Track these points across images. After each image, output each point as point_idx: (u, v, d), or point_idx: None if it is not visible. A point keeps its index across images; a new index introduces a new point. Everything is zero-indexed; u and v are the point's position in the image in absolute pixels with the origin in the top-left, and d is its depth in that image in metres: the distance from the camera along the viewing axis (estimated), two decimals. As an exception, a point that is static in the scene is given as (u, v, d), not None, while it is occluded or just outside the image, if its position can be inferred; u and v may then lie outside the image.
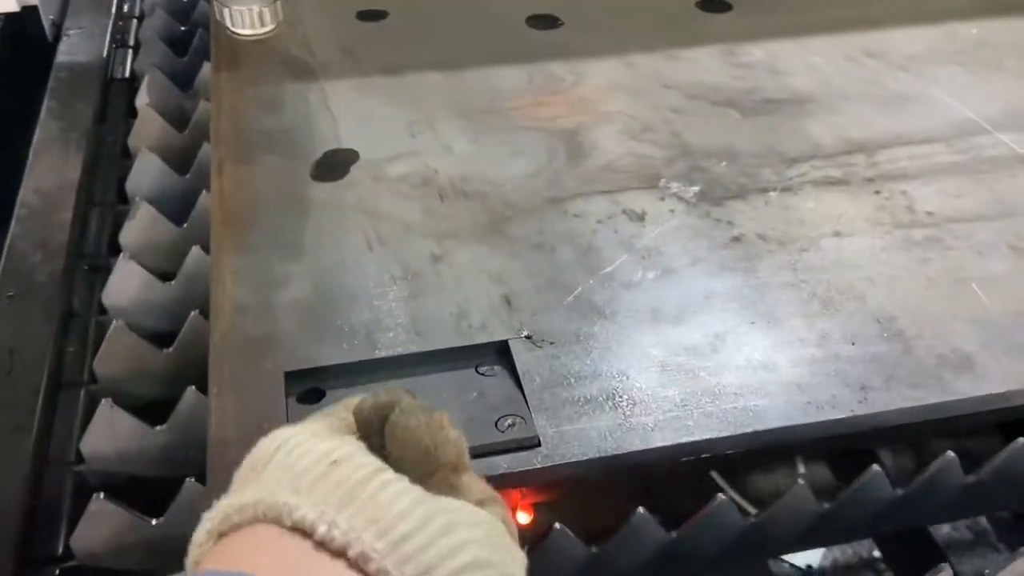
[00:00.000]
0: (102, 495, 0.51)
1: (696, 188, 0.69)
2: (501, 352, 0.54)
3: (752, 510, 0.56)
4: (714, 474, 0.60)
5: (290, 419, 0.50)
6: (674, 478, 0.54)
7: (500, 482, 0.48)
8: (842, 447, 0.60)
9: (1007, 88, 0.81)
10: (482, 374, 0.53)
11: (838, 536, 0.58)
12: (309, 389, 0.52)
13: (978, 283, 0.60)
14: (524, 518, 0.55)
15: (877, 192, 0.68)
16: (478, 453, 0.45)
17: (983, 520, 0.74)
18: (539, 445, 0.48)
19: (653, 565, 0.52)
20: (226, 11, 0.80)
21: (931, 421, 0.52)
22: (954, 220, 0.66)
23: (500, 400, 0.50)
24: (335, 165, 0.70)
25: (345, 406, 0.40)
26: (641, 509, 0.49)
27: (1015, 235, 0.64)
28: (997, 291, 0.60)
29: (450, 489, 0.36)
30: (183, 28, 1.00)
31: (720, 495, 0.49)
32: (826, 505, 0.51)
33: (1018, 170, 0.71)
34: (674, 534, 0.50)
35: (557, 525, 0.48)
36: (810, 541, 0.55)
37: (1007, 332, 0.56)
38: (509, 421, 0.49)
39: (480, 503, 0.36)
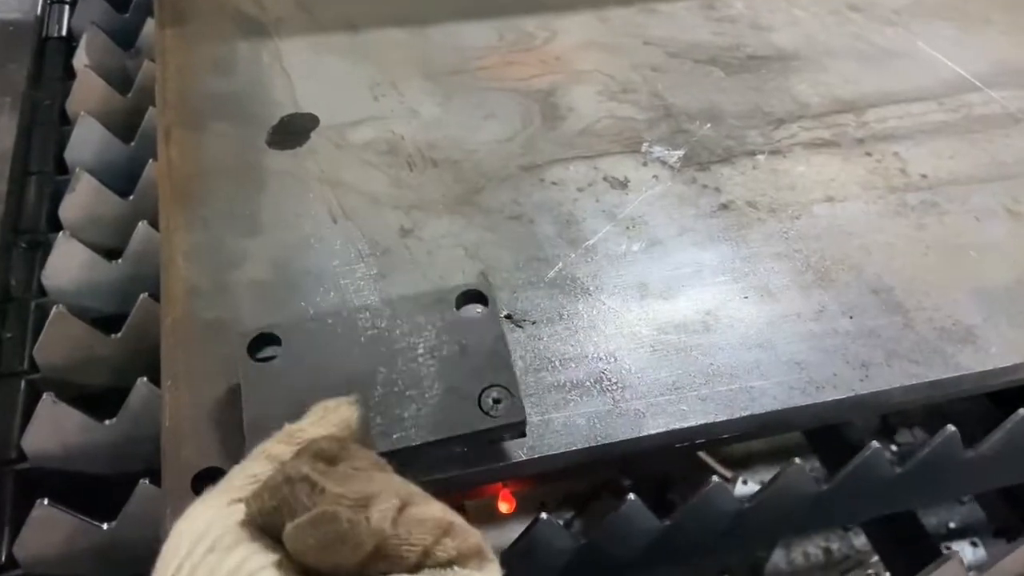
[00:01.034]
0: (46, 501, 0.46)
1: (680, 152, 0.65)
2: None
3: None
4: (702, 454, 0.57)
5: (243, 380, 0.43)
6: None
7: (483, 476, 0.45)
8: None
9: (994, 43, 0.78)
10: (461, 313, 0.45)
11: (837, 520, 0.56)
12: (260, 336, 0.44)
13: (976, 250, 0.58)
14: (505, 507, 0.52)
15: (868, 154, 0.65)
16: (461, 442, 0.41)
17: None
18: (524, 435, 0.43)
19: (645, 554, 0.49)
20: (168, -37, 0.74)
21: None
22: (949, 183, 0.63)
23: (483, 359, 0.43)
24: (293, 131, 0.65)
25: (267, 457, 0.35)
26: (632, 496, 0.45)
27: (1012, 198, 0.62)
28: (996, 258, 0.57)
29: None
30: (123, -19, 0.93)
31: (715, 477, 0.46)
32: (824, 486, 0.48)
33: (1011, 129, 0.68)
34: (666, 521, 0.47)
35: (543, 515, 0.45)
36: (808, 525, 0.52)
37: (1008, 302, 0.54)
38: (494, 394, 0.42)
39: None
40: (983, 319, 0.53)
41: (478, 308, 0.45)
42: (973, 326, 0.52)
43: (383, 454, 0.36)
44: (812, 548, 1.16)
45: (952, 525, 1.17)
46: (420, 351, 0.43)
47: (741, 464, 1.28)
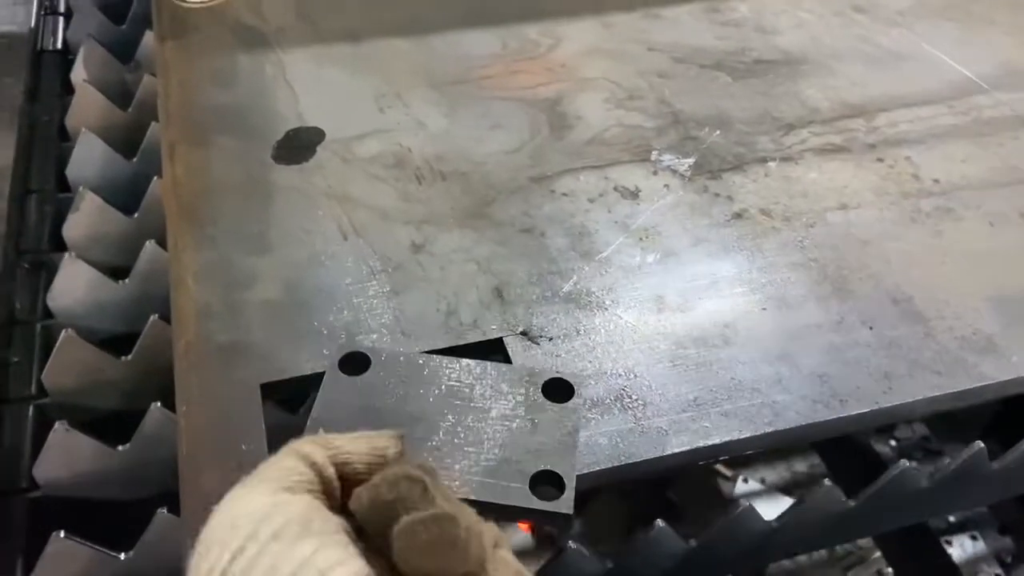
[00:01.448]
0: (62, 534, 0.45)
1: (690, 160, 0.64)
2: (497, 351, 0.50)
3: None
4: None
5: (324, 383, 0.45)
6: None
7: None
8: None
9: (999, 44, 0.78)
10: (545, 396, 0.44)
11: (860, 533, 0.55)
12: (353, 353, 0.46)
13: (993, 256, 0.57)
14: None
15: (880, 159, 0.65)
16: (499, 510, 0.40)
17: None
18: (570, 528, 0.41)
19: (672, 574, 0.48)
20: (167, -24, 0.73)
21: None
22: (962, 188, 0.62)
23: (549, 443, 0.42)
24: (299, 145, 0.64)
25: (298, 455, 0.34)
26: (660, 522, 0.45)
27: (1025, 202, 0.61)
28: (1013, 264, 0.57)
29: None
30: (119, -8, 0.92)
31: (743, 501, 0.46)
32: (851, 503, 0.48)
33: (1021, 132, 0.68)
34: (693, 543, 0.47)
35: (572, 544, 0.44)
36: (832, 541, 0.52)
37: (1027, 309, 0.53)
38: (548, 480, 0.41)
39: None
40: (1003, 327, 0.52)
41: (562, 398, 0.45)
42: (993, 335, 0.52)
43: None
44: (815, 544, 1.16)
45: (952, 519, 1.17)
46: (493, 415, 0.43)
47: (741, 463, 1.27)
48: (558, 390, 0.45)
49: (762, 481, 1.30)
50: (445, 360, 0.46)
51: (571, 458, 0.42)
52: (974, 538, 1.17)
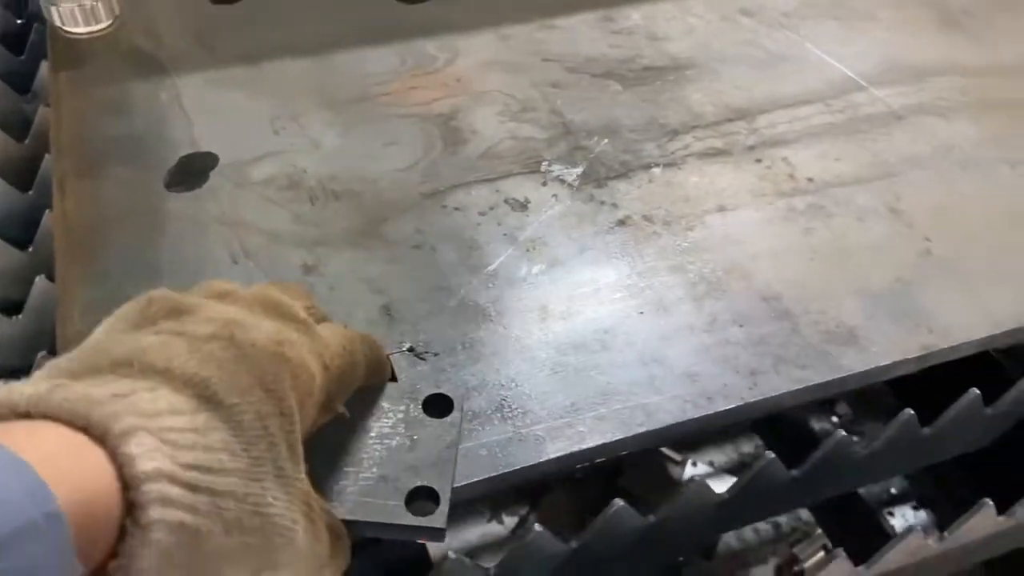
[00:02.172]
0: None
1: (579, 169, 0.66)
2: None
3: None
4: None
5: None
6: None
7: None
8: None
9: (880, 40, 0.82)
10: (426, 412, 0.45)
11: (802, 502, 0.59)
12: None
13: (860, 251, 0.60)
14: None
15: (759, 160, 0.67)
16: (377, 528, 0.41)
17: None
18: (442, 540, 0.42)
19: (630, 549, 0.50)
20: (53, 9, 0.73)
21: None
22: (834, 185, 0.65)
23: (426, 459, 0.43)
24: (192, 171, 0.65)
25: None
26: (618, 500, 0.47)
27: (894, 195, 0.65)
28: (878, 257, 0.60)
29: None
30: (19, 21, 0.91)
31: (695, 476, 0.48)
32: (794, 473, 0.51)
33: (893, 127, 0.71)
34: (652, 518, 0.49)
35: (537, 527, 0.46)
36: (778, 510, 0.55)
37: (889, 301, 0.57)
38: (424, 496, 0.42)
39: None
40: (865, 319, 0.55)
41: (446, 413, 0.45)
42: (856, 327, 0.55)
43: None
44: (762, 524, 1.19)
45: (893, 491, 1.22)
46: (372, 434, 0.44)
47: (690, 447, 1.31)
48: (439, 405, 0.46)
49: (710, 464, 1.34)
50: None
51: (448, 472, 0.43)
52: (915, 508, 1.21)
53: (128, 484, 0.27)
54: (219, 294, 0.39)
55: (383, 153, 0.67)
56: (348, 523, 0.40)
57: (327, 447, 0.43)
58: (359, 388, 0.44)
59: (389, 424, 0.45)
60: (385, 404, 0.46)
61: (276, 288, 0.41)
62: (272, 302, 0.38)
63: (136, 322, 0.36)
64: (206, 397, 0.31)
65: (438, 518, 0.41)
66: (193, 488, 0.29)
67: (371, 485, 0.42)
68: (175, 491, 0.28)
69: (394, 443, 0.44)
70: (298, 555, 0.34)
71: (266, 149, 0.67)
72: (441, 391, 0.46)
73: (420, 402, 0.46)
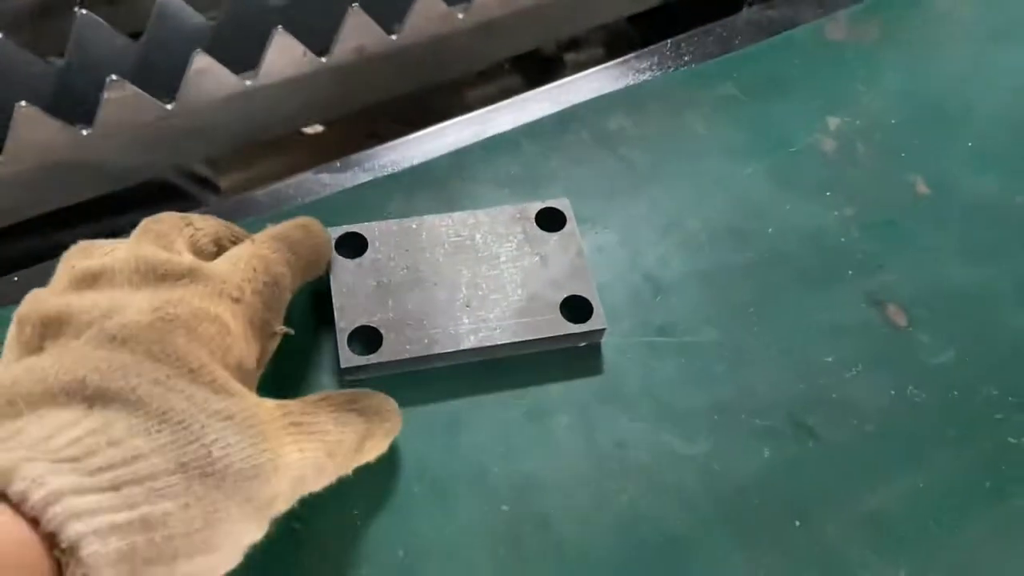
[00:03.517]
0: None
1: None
2: None
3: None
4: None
5: (332, 272, 0.44)
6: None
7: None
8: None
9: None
10: (541, 228, 0.46)
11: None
12: (347, 235, 0.45)
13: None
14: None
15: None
16: (540, 344, 0.43)
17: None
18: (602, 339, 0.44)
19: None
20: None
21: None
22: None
23: (563, 271, 0.44)
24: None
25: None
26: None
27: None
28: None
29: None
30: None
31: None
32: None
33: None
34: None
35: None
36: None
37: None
38: (574, 304, 0.43)
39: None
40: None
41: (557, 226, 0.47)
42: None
43: (462, 351, 0.42)
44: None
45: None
46: (503, 259, 0.45)
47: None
48: (550, 218, 0.47)
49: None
50: (436, 219, 0.46)
51: (589, 278, 0.44)
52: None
53: (35, 519, 0.24)
54: (89, 277, 0.35)
55: None
56: (509, 347, 0.42)
57: (470, 280, 0.44)
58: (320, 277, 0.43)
59: (513, 246, 0.45)
60: (501, 228, 0.46)
61: (150, 237, 0.37)
62: (148, 265, 0.34)
63: (18, 354, 0.33)
64: (88, 396, 0.29)
65: (597, 319, 0.43)
66: (116, 487, 0.26)
67: (524, 305, 0.43)
68: (89, 500, 0.25)
69: (526, 263, 0.45)
70: (293, 463, 0.32)
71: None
72: (548, 203, 0.47)
73: (533, 219, 0.46)
